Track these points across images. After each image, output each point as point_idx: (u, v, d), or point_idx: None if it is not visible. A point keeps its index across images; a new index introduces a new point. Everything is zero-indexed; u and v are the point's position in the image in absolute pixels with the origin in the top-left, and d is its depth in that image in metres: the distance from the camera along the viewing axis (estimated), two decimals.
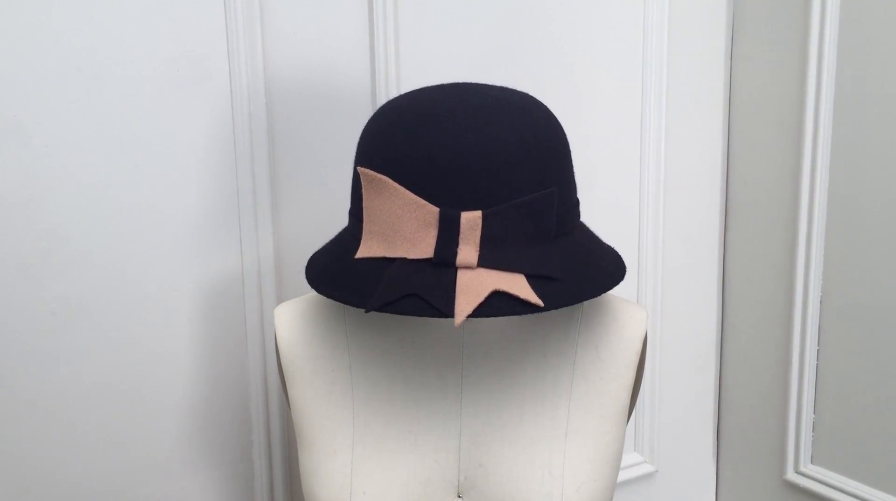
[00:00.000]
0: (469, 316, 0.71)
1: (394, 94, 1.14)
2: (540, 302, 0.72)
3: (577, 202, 0.82)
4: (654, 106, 1.37)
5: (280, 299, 1.13)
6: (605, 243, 0.85)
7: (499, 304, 0.72)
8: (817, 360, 1.38)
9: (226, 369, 1.13)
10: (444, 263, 0.74)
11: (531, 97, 0.81)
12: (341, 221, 0.88)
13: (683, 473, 1.57)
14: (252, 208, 1.10)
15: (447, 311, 0.72)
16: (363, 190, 0.78)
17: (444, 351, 0.84)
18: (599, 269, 0.79)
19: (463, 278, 0.73)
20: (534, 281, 0.74)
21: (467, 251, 0.74)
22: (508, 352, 0.84)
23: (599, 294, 0.77)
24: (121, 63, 1.01)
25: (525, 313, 0.73)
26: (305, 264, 0.88)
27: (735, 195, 1.45)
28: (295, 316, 0.89)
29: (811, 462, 1.39)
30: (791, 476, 1.41)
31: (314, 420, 0.85)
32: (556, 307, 0.74)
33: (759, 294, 1.44)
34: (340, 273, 0.78)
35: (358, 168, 0.78)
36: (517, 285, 0.73)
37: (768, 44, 1.38)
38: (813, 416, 1.39)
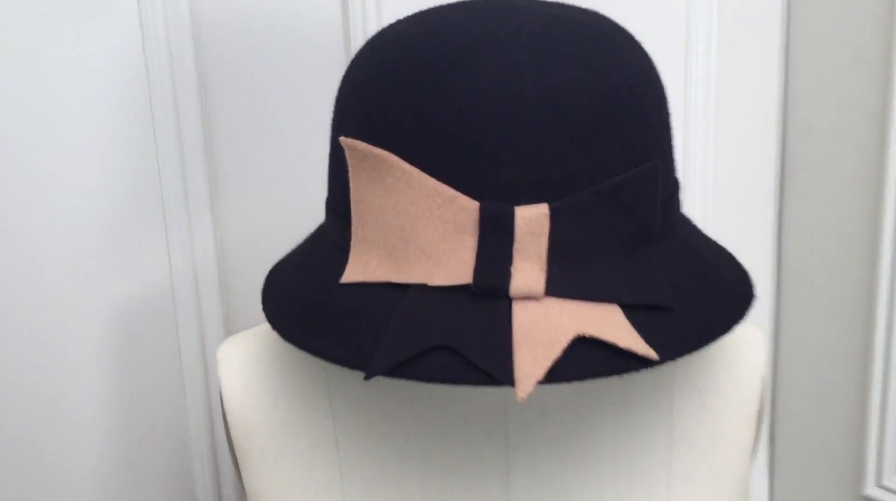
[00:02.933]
0: (541, 383, 0.43)
1: (373, 25, 0.83)
2: (652, 353, 0.44)
3: (678, 182, 0.54)
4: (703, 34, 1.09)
5: (228, 327, 0.82)
6: (710, 238, 0.57)
7: (587, 359, 0.44)
8: None
9: (155, 427, 0.82)
10: (490, 292, 0.46)
11: (606, 18, 0.52)
12: (316, 213, 0.58)
13: None
14: (181, 195, 0.78)
15: (501, 375, 0.43)
16: (350, 174, 0.48)
17: (478, 412, 0.56)
18: (723, 285, 0.51)
19: (523, 316, 0.45)
20: (635, 314, 0.46)
21: (528, 271, 0.45)
22: (575, 408, 0.56)
23: (733, 327, 0.49)
24: None
25: (631, 370, 0.45)
26: (264, 278, 0.58)
27: (794, 150, 1.20)
28: (249, 361, 0.60)
29: None
30: (871, 490, 1.19)
31: None
32: (676, 357, 0.46)
33: (825, 273, 1.20)
34: (320, 309, 0.49)
35: (341, 140, 0.48)
36: (612, 325, 0.45)
37: None
38: None
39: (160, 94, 0.77)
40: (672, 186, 0.52)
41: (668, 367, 0.58)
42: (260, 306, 0.54)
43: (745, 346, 0.60)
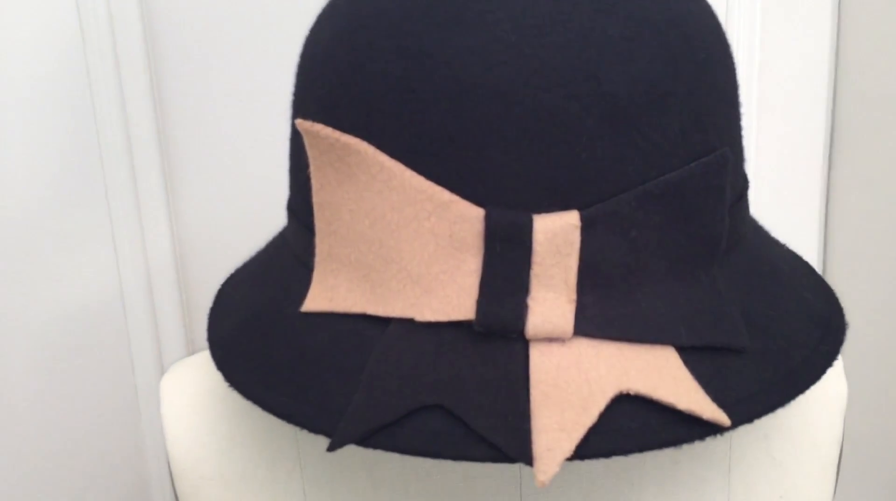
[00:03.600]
0: (571, 459, 0.32)
1: None
2: (722, 416, 0.32)
3: (747, 179, 0.41)
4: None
5: (189, 340, 0.70)
6: (782, 244, 0.45)
7: (633, 426, 0.33)
8: None
9: (105, 459, 0.71)
10: (499, 331, 0.34)
11: None
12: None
13: None
14: (129, 186, 0.66)
15: (514, 449, 0.32)
16: (312, 170, 0.36)
17: (485, 475, 0.44)
18: (806, 311, 0.39)
19: (545, 365, 0.33)
20: (696, 360, 0.34)
21: (550, 304, 0.33)
22: (608, 460, 0.44)
23: (825, 371, 0.37)
24: None
25: (693, 440, 0.33)
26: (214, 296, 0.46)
27: (845, 117, 1.08)
28: (200, 397, 0.48)
29: None
30: None
31: None
32: (753, 420, 0.34)
33: (879, 258, 1.08)
34: (274, 346, 0.38)
35: (297, 123, 0.36)
36: (666, 376, 0.33)
37: None
38: None
39: (98, 64, 0.64)
40: (742, 184, 0.40)
41: None
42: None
43: (825, 382, 0.47)
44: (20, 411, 0.68)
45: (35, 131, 0.64)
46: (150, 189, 0.68)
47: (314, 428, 0.34)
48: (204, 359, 0.50)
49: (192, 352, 0.55)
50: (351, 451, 0.45)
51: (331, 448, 0.33)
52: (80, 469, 0.71)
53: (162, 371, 0.72)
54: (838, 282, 1.15)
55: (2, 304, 0.66)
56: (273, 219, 0.47)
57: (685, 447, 0.45)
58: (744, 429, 0.46)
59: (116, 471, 0.73)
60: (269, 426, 0.46)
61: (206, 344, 0.52)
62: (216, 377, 0.48)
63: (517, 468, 0.44)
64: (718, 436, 0.33)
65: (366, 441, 0.33)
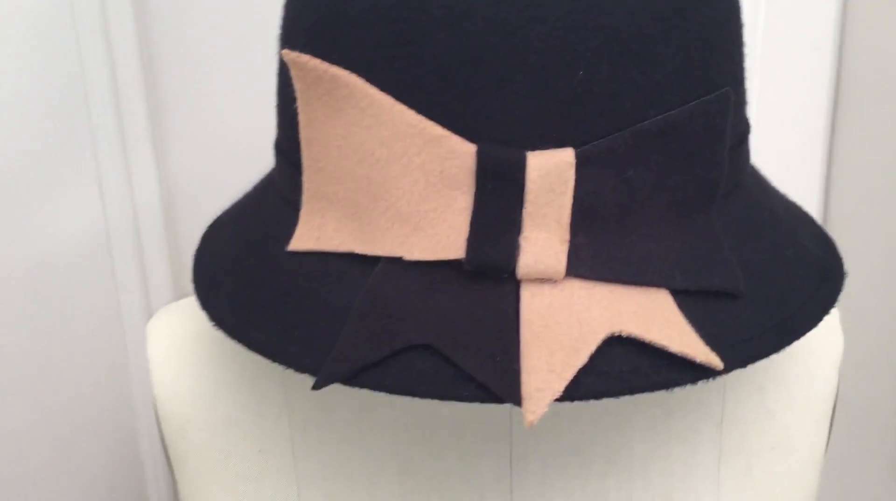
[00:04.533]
0: (559, 400, 0.31)
1: None
2: (715, 360, 0.32)
3: (748, 122, 0.40)
4: None
5: (177, 285, 0.69)
6: (782, 193, 0.44)
7: (624, 368, 0.32)
8: None
9: (92, 407, 0.70)
10: (489, 271, 0.33)
11: None
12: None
13: None
14: (114, 125, 0.64)
15: (503, 389, 0.31)
16: (299, 104, 0.35)
17: (475, 414, 0.43)
18: (805, 259, 0.38)
19: (536, 305, 0.33)
20: (691, 303, 0.33)
21: (543, 244, 0.33)
22: (597, 409, 0.44)
23: (822, 318, 0.36)
24: None
25: (685, 383, 0.32)
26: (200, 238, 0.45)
27: (850, 82, 1.05)
28: (185, 341, 0.47)
29: None
30: None
31: None
32: (747, 364, 0.33)
33: (881, 216, 1.07)
34: (260, 285, 0.37)
35: (283, 54, 0.35)
36: (659, 318, 0.33)
37: None
38: None
39: (84, 4, 0.62)
40: (743, 128, 0.39)
41: None
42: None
43: (821, 332, 0.47)
44: (5, 356, 0.67)
45: (18, 72, 0.63)
46: (137, 130, 0.66)
47: (300, 367, 0.33)
48: (190, 304, 0.49)
49: (179, 297, 0.54)
50: (339, 396, 0.44)
51: (316, 387, 0.32)
52: (68, 415, 0.70)
53: (149, 316, 0.71)
54: (839, 236, 1.14)
55: None
56: (260, 161, 0.46)
57: (678, 397, 0.45)
58: (738, 381, 0.45)
59: (104, 416, 0.72)
60: (255, 370, 0.45)
61: (193, 288, 0.51)
62: (202, 321, 0.48)
63: (507, 416, 0.43)
64: (711, 382, 0.32)
65: (352, 379, 0.32)
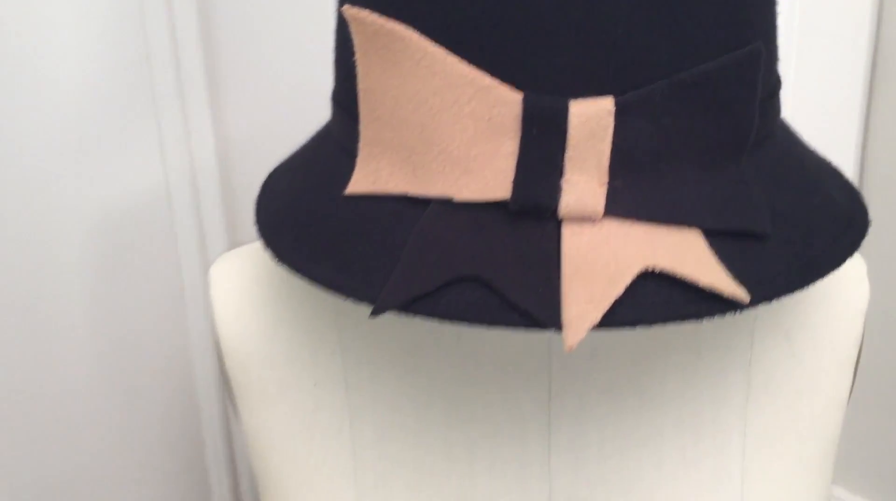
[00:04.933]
0: (597, 328, 0.34)
1: None
2: (741, 293, 0.34)
3: (779, 77, 0.42)
4: None
5: (232, 237, 0.72)
6: (811, 148, 0.46)
7: (657, 299, 0.35)
8: None
9: (153, 350, 0.74)
10: (533, 211, 0.35)
11: None
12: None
13: None
14: (174, 86, 0.67)
15: (546, 316, 0.34)
16: (357, 56, 0.38)
17: (516, 352, 0.46)
18: (831, 207, 0.40)
19: (576, 243, 0.35)
20: (721, 243, 0.36)
21: (583, 186, 0.35)
22: (632, 350, 0.47)
23: (845, 260, 0.38)
24: None
25: (714, 315, 0.35)
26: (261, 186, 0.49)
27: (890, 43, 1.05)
28: (246, 283, 0.51)
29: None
30: None
31: (287, 463, 0.48)
32: (772, 299, 0.36)
33: None
34: (320, 226, 0.40)
35: (344, 10, 0.38)
36: (691, 256, 0.35)
37: None
38: None
39: None
40: (774, 83, 0.41)
41: None
42: None
43: (845, 278, 0.49)
44: (74, 302, 0.71)
45: (83, 35, 0.66)
46: (195, 90, 0.70)
47: (357, 297, 0.36)
48: (248, 251, 0.53)
49: (234, 247, 0.58)
50: (389, 336, 0.47)
51: (374, 314, 0.35)
52: (130, 357, 0.75)
53: (206, 266, 0.75)
54: (874, 199, 1.14)
55: (56, 204, 0.69)
56: (311, 120, 0.49)
57: (708, 342, 0.47)
58: (766, 327, 0.48)
59: (163, 359, 0.76)
60: (311, 311, 0.48)
61: (248, 237, 0.55)
62: (262, 264, 0.51)
63: (547, 355, 0.46)
64: (741, 325, 0.35)
65: (406, 308, 0.35)
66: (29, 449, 0.70)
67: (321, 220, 0.40)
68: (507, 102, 0.35)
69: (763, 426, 0.47)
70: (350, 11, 0.37)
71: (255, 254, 0.52)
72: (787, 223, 0.37)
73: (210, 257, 0.74)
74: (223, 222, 0.74)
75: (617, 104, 0.34)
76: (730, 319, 0.47)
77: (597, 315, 0.33)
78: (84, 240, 0.69)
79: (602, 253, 0.35)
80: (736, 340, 0.47)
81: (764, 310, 0.47)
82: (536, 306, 0.34)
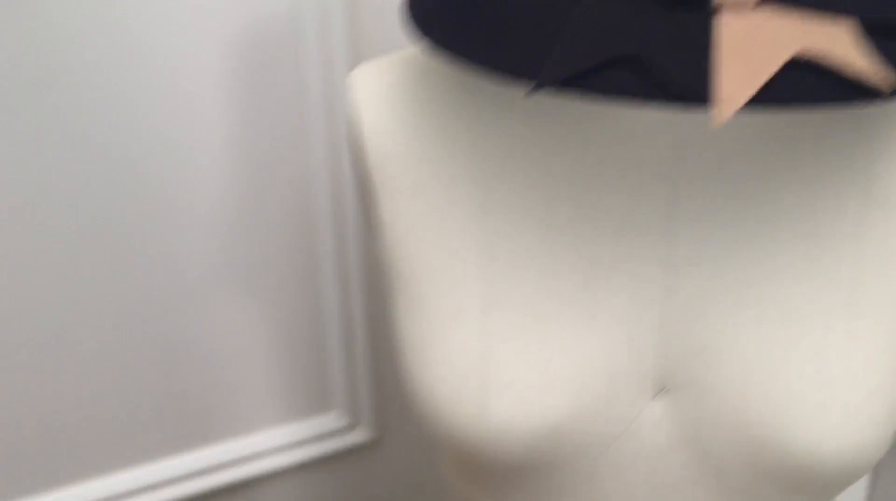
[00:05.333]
0: (745, 108, 0.36)
1: None
2: (886, 84, 0.36)
3: None
4: None
5: (356, 55, 0.75)
6: None
7: (807, 83, 0.36)
8: None
9: (275, 161, 0.79)
10: None
11: None
12: None
13: None
14: None
15: (700, 93, 0.36)
16: None
17: (644, 157, 0.49)
18: None
19: (730, 28, 0.37)
20: (876, 35, 0.37)
21: None
22: (755, 161, 0.48)
23: None
24: None
25: (862, 100, 0.36)
26: None
27: None
28: (384, 88, 0.54)
29: None
30: None
31: (420, 256, 0.52)
32: None
33: None
34: (476, 15, 0.42)
35: None
36: (843, 45, 0.37)
37: None
38: None
39: None
40: None
41: (875, 121, 0.49)
42: (391, 30, 0.46)
43: None
44: (206, 120, 0.76)
45: None
46: None
47: (519, 74, 0.38)
48: (384, 61, 0.55)
49: (358, 61, 0.60)
50: (521, 141, 0.50)
51: (535, 89, 0.38)
52: (255, 174, 0.80)
53: (330, 88, 0.78)
54: None
55: (190, 21, 0.72)
56: None
57: (829, 152, 0.49)
58: (888, 144, 0.49)
59: (284, 178, 0.81)
60: (449, 115, 0.51)
61: (372, 54, 0.57)
62: (397, 73, 0.54)
63: (671, 160, 0.48)
64: (867, 125, 0.36)
65: (564, 85, 0.37)
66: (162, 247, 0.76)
67: (476, 11, 0.42)
68: None
69: (878, 235, 0.49)
70: None
71: (391, 65, 0.55)
72: None
73: (336, 77, 0.77)
74: (344, 47, 0.76)
75: None
76: (851, 135, 0.48)
77: (749, 93, 0.35)
78: (217, 61, 0.74)
79: (755, 39, 0.36)
80: (855, 156, 0.49)
81: (885, 128, 0.49)
82: (692, 83, 0.36)
